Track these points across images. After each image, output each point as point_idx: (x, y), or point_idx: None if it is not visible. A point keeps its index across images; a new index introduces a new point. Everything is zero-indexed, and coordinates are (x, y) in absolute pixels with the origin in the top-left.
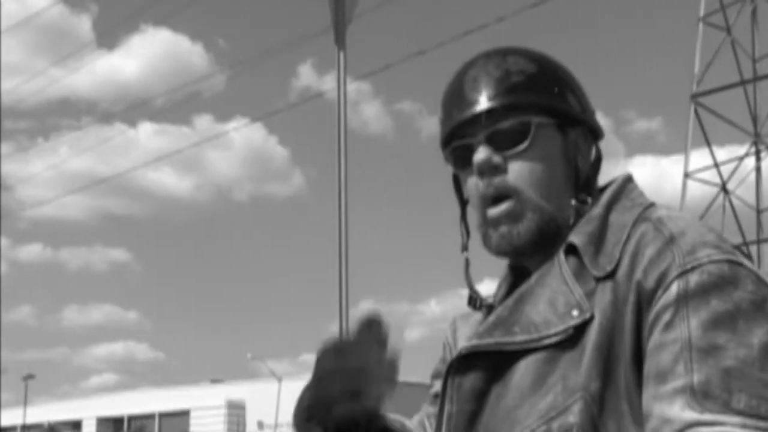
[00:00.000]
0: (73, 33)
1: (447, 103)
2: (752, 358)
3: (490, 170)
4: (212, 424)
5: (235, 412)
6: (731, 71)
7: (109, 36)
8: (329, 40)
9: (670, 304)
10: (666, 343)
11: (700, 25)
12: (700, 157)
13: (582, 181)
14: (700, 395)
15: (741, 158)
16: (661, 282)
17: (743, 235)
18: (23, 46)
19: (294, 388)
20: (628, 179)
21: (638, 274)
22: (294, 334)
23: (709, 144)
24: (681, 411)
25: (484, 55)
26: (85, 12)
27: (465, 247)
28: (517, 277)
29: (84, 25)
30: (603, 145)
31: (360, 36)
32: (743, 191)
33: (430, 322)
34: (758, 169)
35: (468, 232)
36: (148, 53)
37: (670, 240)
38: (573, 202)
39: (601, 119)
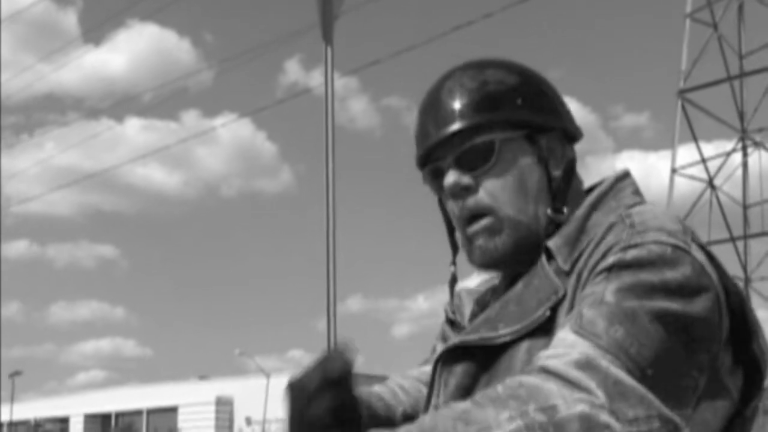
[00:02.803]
0: (59, 28)
1: (419, 125)
2: (649, 309)
3: (460, 192)
4: (200, 420)
5: (224, 409)
6: (718, 67)
7: (95, 31)
8: (316, 35)
9: (603, 270)
10: (584, 297)
11: (687, 21)
12: (687, 153)
13: (555, 187)
14: (584, 320)
15: (728, 154)
16: (605, 255)
17: (730, 231)
18: (9, 42)
19: (282, 384)
20: (620, 178)
21: (594, 256)
22: (282, 330)
23: (696, 140)
24: (560, 332)
25: (456, 71)
26: (71, 6)
27: (453, 262)
28: (512, 279)
29: (70, 20)
30: (590, 140)
31: (347, 32)
32: (730, 187)
33: (417, 318)
34: (745, 165)
35: (456, 248)
36: (134, 48)
37: (630, 226)
38: (549, 211)
39: (589, 114)
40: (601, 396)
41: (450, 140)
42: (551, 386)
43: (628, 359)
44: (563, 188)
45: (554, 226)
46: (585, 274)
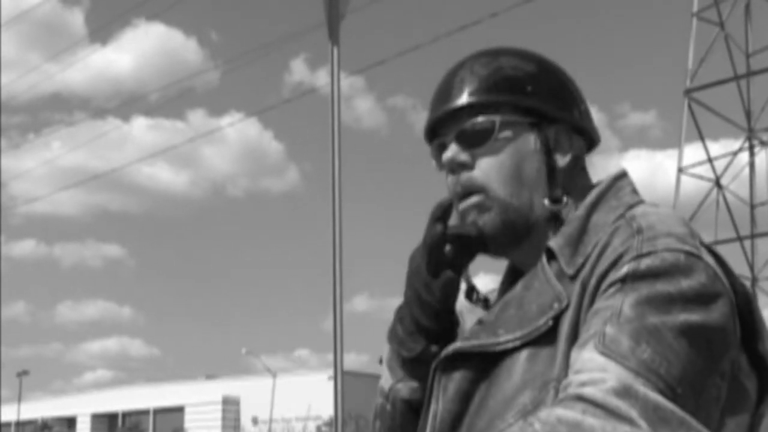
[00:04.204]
0: (65, 28)
1: (431, 100)
2: (672, 325)
3: (457, 167)
4: (207, 420)
5: (230, 408)
6: (725, 66)
7: (101, 31)
8: (323, 35)
9: (617, 281)
10: (599, 310)
11: (694, 20)
12: (694, 152)
13: (558, 178)
14: (608, 338)
15: (735, 153)
16: (615, 264)
17: (737, 230)
18: (15, 42)
19: (288, 383)
20: (618, 177)
21: (601, 263)
22: (288, 330)
23: (702, 139)
24: (583, 352)
25: (473, 56)
26: (78, 6)
27: None
28: (514, 278)
29: (76, 19)
30: None
31: (353, 31)
32: (737, 186)
33: None
34: (752, 164)
35: None
36: (141, 48)
37: (637, 231)
38: (546, 201)
39: (596, 113)
40: (644, 426)
41: (454, 116)
42: (592, 422)
43: (658, 380)
44: (565, 180)
45: (554, 217)
46: (593, 281)
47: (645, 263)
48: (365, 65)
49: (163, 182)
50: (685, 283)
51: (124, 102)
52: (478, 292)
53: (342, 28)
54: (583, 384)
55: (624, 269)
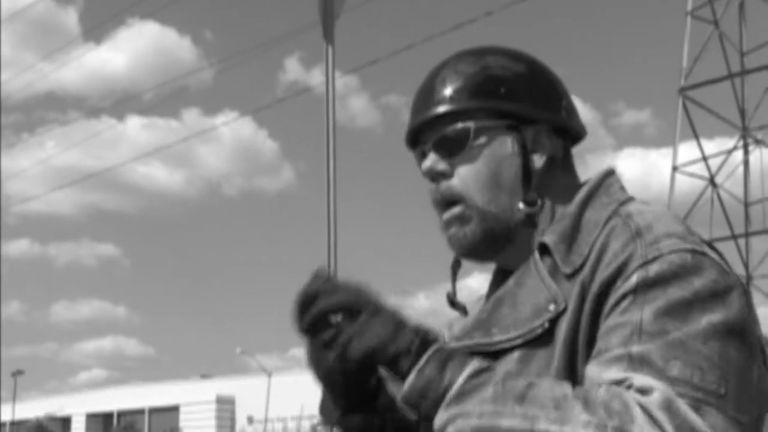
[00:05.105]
0: (59, 27)
1: (412, 103)
2: (696, 332)
3: (436, 176)
4: (202, 419)
5: (225, 407)
6: (719, 65)
7: (96, 30)
8: (317, 34)
9: (629, 293)
10: (617, 326)
11: (688, 18)
12: (688, 150)
13: (534, 180)
14: (636, 361)
15: (729, 151)
16: (622, 272)
17: (731, 229)
18: (10, 41)
19: (283, 382)
20: (608, 174)
21: (602, 268)
22: (283, 329)
23: (697, 137)
24: (612, 373)
25: (456, 55)
26: (72, 5)
27: None
28: (503, 277)
29: (71, 18)
30: (591, 138)
31: (348, 30)
32: (731, 184)
33: (419, 316)
34: (746, 163)
35: None
36: (135, 47)
37: (636, 233)
38: (521, 205)
39: (590, 111)
40: None
41: (432, 124)
42: (638, 413)
43: (696, 391)
44: (541, 181)
45: (530, 219)
46: (594, 287)
47: (653, 270)
48: (359, 64)
49: (158, 181)
50: (698, 283)
51: (119, 101)
52: (456, 302)
53: (336, 27)
54: (629, 387)
55: (633, 279)
